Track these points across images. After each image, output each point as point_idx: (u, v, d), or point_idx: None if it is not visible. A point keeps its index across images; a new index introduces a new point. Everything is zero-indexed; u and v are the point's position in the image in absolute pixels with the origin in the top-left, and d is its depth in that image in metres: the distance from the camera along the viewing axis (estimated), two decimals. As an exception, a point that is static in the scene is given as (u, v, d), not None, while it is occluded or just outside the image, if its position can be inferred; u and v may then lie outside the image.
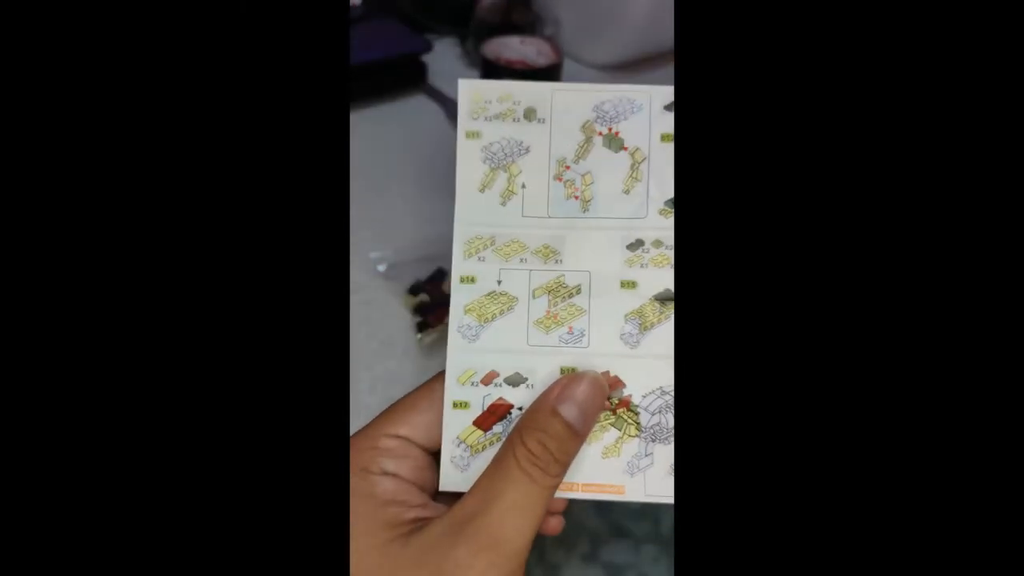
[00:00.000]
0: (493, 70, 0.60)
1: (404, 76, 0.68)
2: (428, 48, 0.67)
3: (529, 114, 0.27)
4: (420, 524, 0.22)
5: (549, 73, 0.60)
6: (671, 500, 0.24)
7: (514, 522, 0.22)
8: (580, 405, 0.23)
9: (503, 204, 0.27)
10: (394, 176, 0.57)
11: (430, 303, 0.46)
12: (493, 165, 0.27)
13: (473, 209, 0.27)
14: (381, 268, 0.48)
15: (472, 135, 0.27)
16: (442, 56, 0.70)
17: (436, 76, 0.69)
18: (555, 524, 0.27)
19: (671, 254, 0.26)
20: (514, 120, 0.27)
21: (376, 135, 0.61)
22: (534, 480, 0.22)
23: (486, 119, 0.27)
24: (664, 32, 0.69)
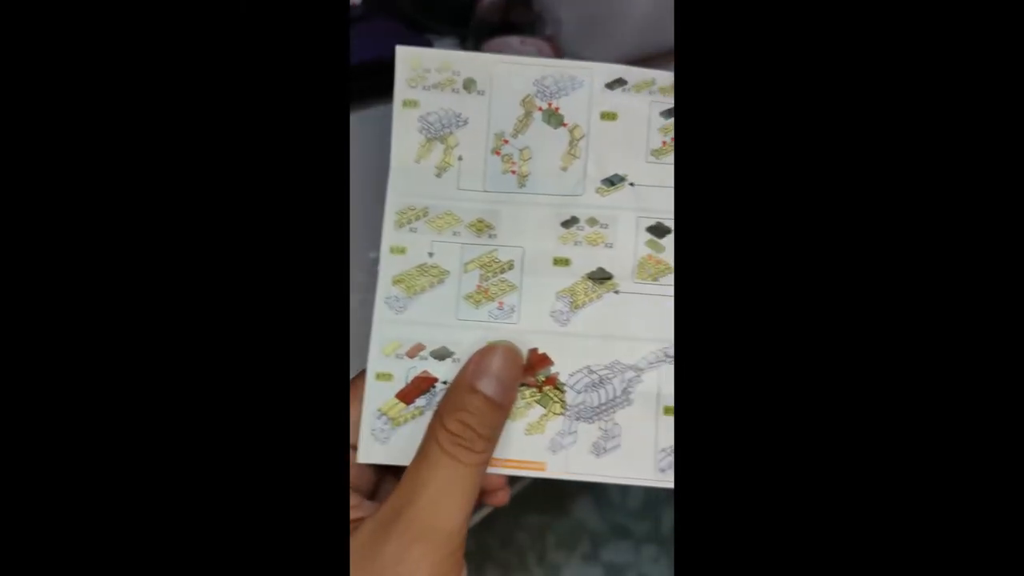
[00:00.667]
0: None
1: (404, 76, 0.68)
2: (428, 48, 0.67)
3: (469, 85, 0.26)
4: (354, 526, 0.22)
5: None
6: (591, 478, 0.25)
7: (445, 507, 0.21)
8: (497, 377, 0.23)
9: (438, 176, 0.26)
10: (394, 176, 0.57)
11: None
12: (430, 136, 0.27)
13: (407, 179, 0.26)
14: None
15: (409, 104, 0.27)
16: (442, 56, 0.70)
17: (436, 76, 0.68)
18: (502, 495, 0.26)
19: (606, 232, 0.26)
20: (453, 91, 0.27)
21: (376, 135, 0.61)
22: (460, 460, 0.22)
23: (424, 88, 0.27)
24: (664, 32, 0.69)
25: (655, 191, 0.26)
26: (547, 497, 0.89)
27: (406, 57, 0.27)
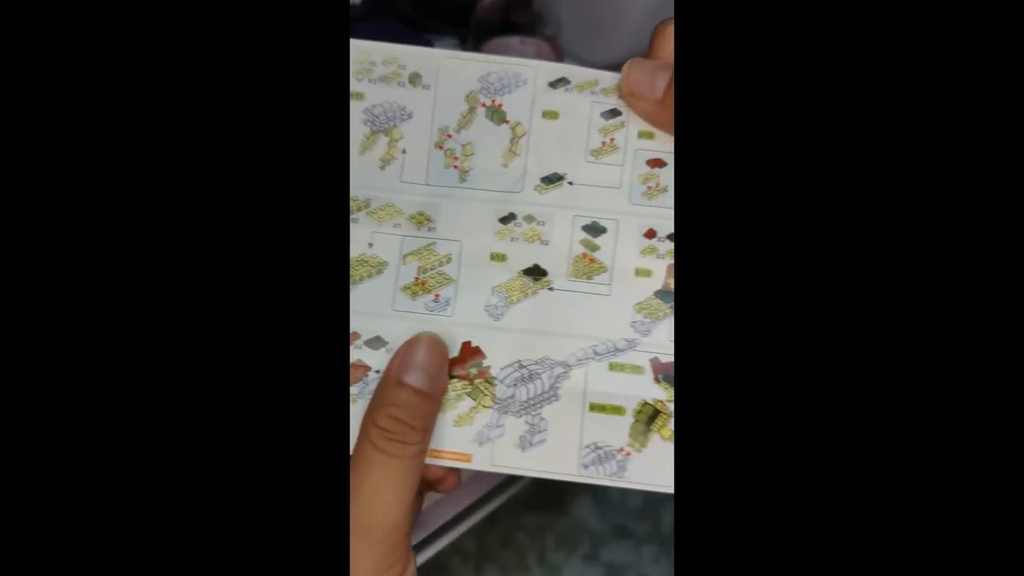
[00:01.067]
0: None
1: (404, 76, 0.68)
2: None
3: (414, 79, 0.27)
4: None
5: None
6: (515, 471, 0.25)
7: (382, 503, 0.22)
8: (423, 368, 0.23)
9: (382, 168, 0.27)
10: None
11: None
12: (374, 128, 0.27)
13: (351, 171, 0.26)
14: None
15: (356, 96, 0.27)
16: (442, 56, 0.70)
17: (436, 76, 0.68)
18: (451, 482, 0.27)
19: (542, 230, 0.26)
20: (398, 84, 0.27)
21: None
22: (393, 455, 0.22)
23: (370, 81, 0.27)
24: (664, 32, 0.69)
25: (593, 190, 0.26)
26: (547, 497, 0.89)
27: (354, 50, 0.27)
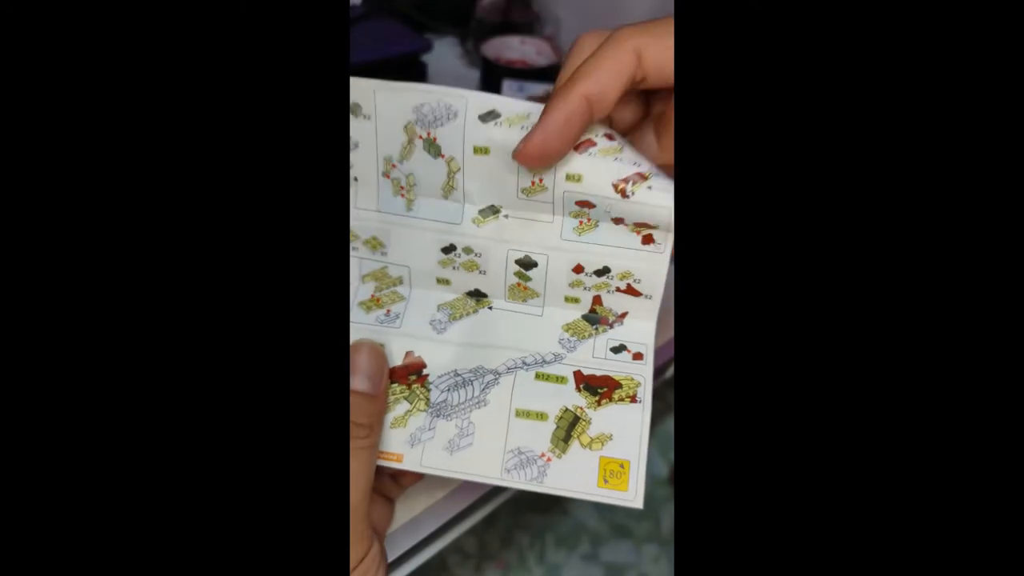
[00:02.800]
0: (493, 70, 0.61)
1: (404, 76, 0.68)
2: (428, 48, 0.67)
3: (355, 109, 0.27)
4: None
5: (549, 73, 0.60)
6: (442, 473, 0.26)
7: None
8: (364, 371, 0.25)
9: None
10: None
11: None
12: None
13: None
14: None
15: None
16: (442, 56, 0.70)
17: (436, 76, 0.69)
18: (410, 477, 0.29)
19: (480, 261, 0.28)
20: None
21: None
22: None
23: None
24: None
25: (527, 224, 0.27)
26: (547, 497, 0.89)
27: None
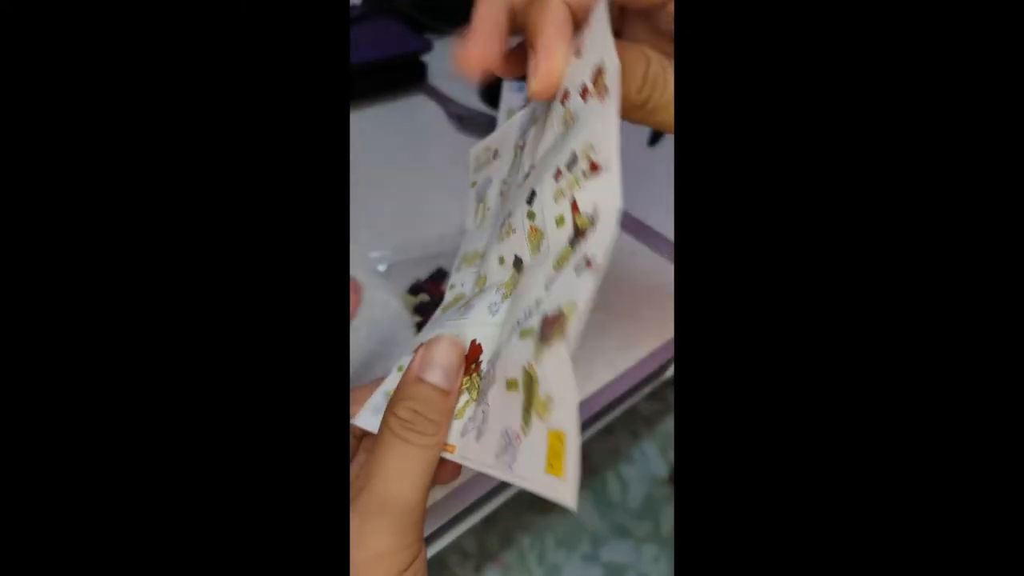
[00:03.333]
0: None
1: (404, 76, 0.68)
2: (428, 48, 0.67)
3: (496, 154, 0.32)
4: None
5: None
6: (469, 463, 0.24)
7: (398, 485, 0.23)
8: (440, 365, 0.25)
9: (477, 228, 0.34)
10: (394, 176, 0.57)
11: (430, 303, 0.46)
12: (478, 199, 0.34)
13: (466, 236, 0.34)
14: (381, 268, 0.48)
15: (472, 184, 0.34)
16: (442, 56, 0.70)
17: (436, 76, 0.69)
18: (448, 471, 0.28)
19: (512, 220, 0.28)
20: (488, 161, 0.33)
21: (376, 135, 0.61)
22: (411, 443, 0.23)
23: (475, 169, 0.34)
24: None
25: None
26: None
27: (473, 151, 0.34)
